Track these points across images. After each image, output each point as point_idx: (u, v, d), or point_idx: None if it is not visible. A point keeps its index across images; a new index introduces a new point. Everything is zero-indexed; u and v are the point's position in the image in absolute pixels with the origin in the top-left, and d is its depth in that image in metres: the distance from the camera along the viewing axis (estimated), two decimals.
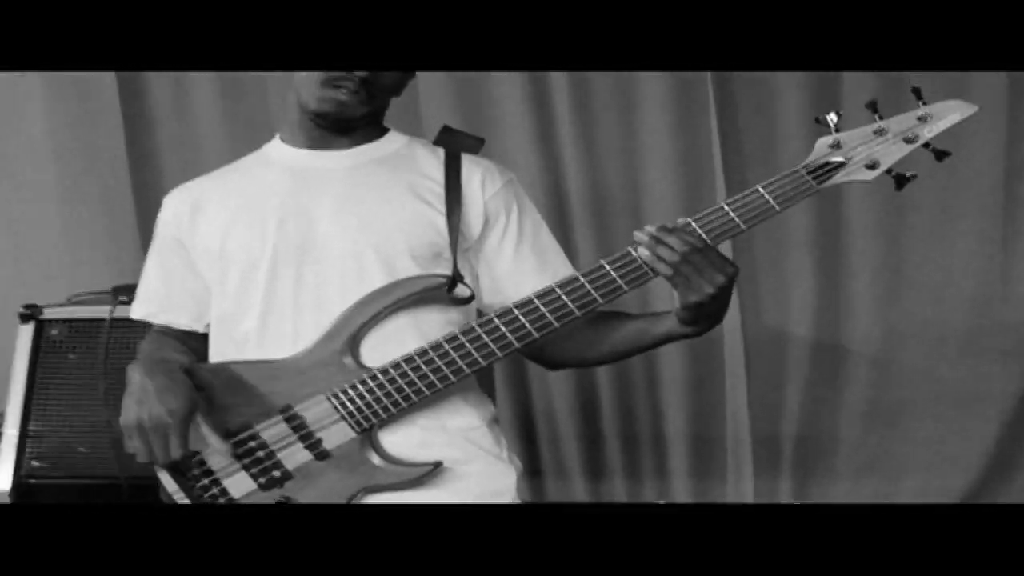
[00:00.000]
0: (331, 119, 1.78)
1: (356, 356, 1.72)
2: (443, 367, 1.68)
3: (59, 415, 2.64)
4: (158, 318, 1.90)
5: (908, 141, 1.60)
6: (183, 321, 1.89)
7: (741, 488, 3.41)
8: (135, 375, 1.72)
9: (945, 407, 3.35)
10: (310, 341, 1.73)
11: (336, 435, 1.71)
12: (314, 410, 1.71)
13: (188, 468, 1.74)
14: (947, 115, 1.59)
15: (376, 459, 1.72)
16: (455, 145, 1.86)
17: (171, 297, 1.89)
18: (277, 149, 1.87)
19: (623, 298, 1.67)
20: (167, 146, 3.50)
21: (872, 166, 1.60)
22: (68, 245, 3.42)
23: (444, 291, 1.75)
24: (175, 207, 1.88)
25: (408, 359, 1.69)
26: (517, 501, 1.81)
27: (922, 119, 1.60)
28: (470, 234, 1.80)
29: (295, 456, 1.72)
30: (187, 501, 1.76)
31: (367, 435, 1.71)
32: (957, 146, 1.62)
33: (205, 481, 1.75)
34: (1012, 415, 3.33)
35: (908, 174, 1.61)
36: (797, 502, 3.15)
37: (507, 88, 3.30)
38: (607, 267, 1.63)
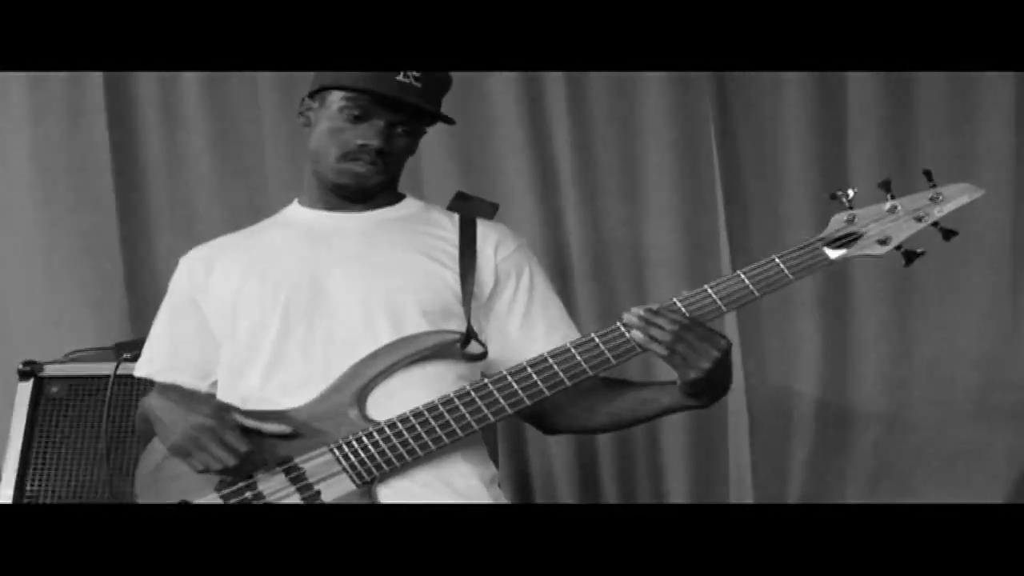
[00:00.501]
0: (351, 190, 1.84)
1: (362, 409, 1.73)
2: (452, 422, 1.71)
3: (57, 473, 2.57)
4: (163, 376, 1.91)
5: (918, 219, 1.67)
6: (187, 380, 1.89)
7: None
8: (152, 402, 1.79)
9: (954, 469, 3.27)
10: (316, 393, 1.74)
11: (335, 488, 1.70)
12: (315, 461, 1.72)
13: (257, 465, 1.73)
14: (956, 197, 1.67)
15: None
16: (470, 210, 1.92)
17: (177, 356, 1.90)
18: (295, 211, 1.94)
19: None
20: (156, 197, 3.40)
21: (884, 241, 1.68)
22: (51, 297, 3.29)
23: (455, 347, 1.77)
24: (190, 266, 1.92)
25: (417, 413, 1.70)
26: None
27: (933, 200, 1.67)
28: (481, 294, 1.83)
29: None
30: None
31: (367, 489, 1.71)
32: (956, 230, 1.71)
33: None
34: (1021, 475, 3.25)
35: (917, 251, 1.68)
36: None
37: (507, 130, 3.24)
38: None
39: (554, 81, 3.19)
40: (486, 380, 1.70)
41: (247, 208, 3.27)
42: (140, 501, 1.84)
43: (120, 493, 2.46)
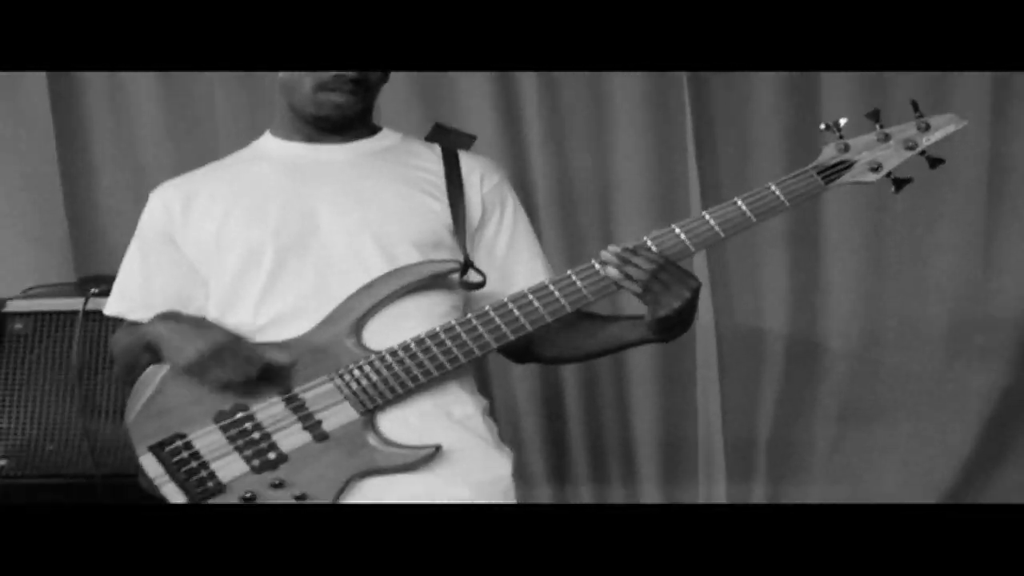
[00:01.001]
0: (331, 121, 1.85)
1: (360, 339, 1.77)
2: (454, 348, 1.74)
3: (25, 411, 2.63)
4: (135, 314, 1.91)
5: (908, 148, 1.75)
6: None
7: (713, 492, 3.43)
8: (158, 327, 1.79)
9: (924, 406, 3.38)
10: (311, 325, 1.77)
11: (337, 416, 1.75)
12: (316, 391, 1.75)
13: (277, 376, 1.76)
14: (943, 126, 1.75)
15: (376, 442, 1.75)
16: (450, 142, 1.96)
17: (151, 294, 1.90)
18: (271, 143, 1.93)
19: None
20: (99, 132, 3.42)
21: (875, 169, 1.75)
22: None
23: (449, 278, 1.83)
24: (164, 202, 1.91)
25: (419, 340, 1.74)
26: (513, 488, 1.86)
27: (920, 129, 1.75)
28: (470, 224, 1.89)
29: (291, 438, 1.75)
30: (171, 485, 1.78)
31: (370, 417, 1.76)
32: (940, 146, 1.79)
33: (193, 464, 1.77)
34: (992, 413, 3.37)
35: (906, 177, 1.76)
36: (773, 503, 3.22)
37: (472, 83, 3.33)
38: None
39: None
40: (487, 307, 1.76)
41: (191, 140, 3.35)
42: (134, 438, 1.84)
43: (93, 431, 2.57)
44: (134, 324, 1.91)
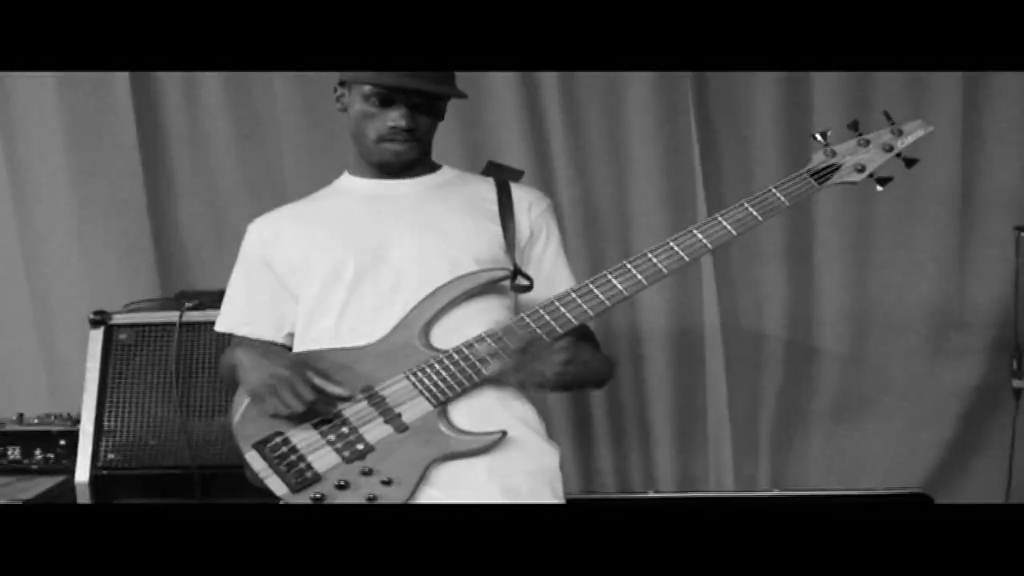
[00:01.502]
0: (393, 166, 2.04)
1: (428, 340, 1.93)
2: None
3: (130, 412, 2.80)
4: (241, 330, 2.10)
5: (886, 150, 1.95)
6: (264, 332, 2.09)
7: (722, 478, 3.58)
8: (238, 355, 1.97)
9: (906, 401, 3.51)
10: (385, 331, 1.94)
11: (414, 410, 1.91)
12: (393, 388, 1.92)
13: (325, 411, 1.91)
14: (914, 131, 1.96)
15: (449, 431, 1.90)
16: (502, 175, 2.14)
17: (254, 312, 2.09)
18: (348, 181, 2.12)
19: None
20: (179, 165, 3.59)
21: (860, 170, 1.94)
22: (84, 254, 3.53)
23: (502, 284, 1.99)
24: (260, 232, 2.10)
25: (480, 339, 1.91)
26: (560, 479, 2.01)
27: (894, 134, 1.95)
28: (520, 243, 2.06)
29: (376, 430, 1.91)
30: (274, 478, 1.92)
31: (443, 409, 1.92)
32: (915, 149, 1.96)
33: (292, 457, 1.91)
34: (967, 408, 3.49)
35: (887, 176, 1.96)
36: (776, 492, 3.24)
37: (502, 101, 3.46)
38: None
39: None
40: (538, 307, 1.91)
41: (263, 176, 3.52)
42: (238, 437, 1.98)
43: (189, 428, 2.75)
44: (241, 340, 2.09)
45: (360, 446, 1.91)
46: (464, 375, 1.91)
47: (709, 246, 1.91)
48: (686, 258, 1.91)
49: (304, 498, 1.92)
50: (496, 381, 1.94)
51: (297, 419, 1.91)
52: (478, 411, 1.94)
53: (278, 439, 1.93)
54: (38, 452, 3.02)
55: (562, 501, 2.02)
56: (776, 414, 3.60)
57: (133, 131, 3.50)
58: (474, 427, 1.93)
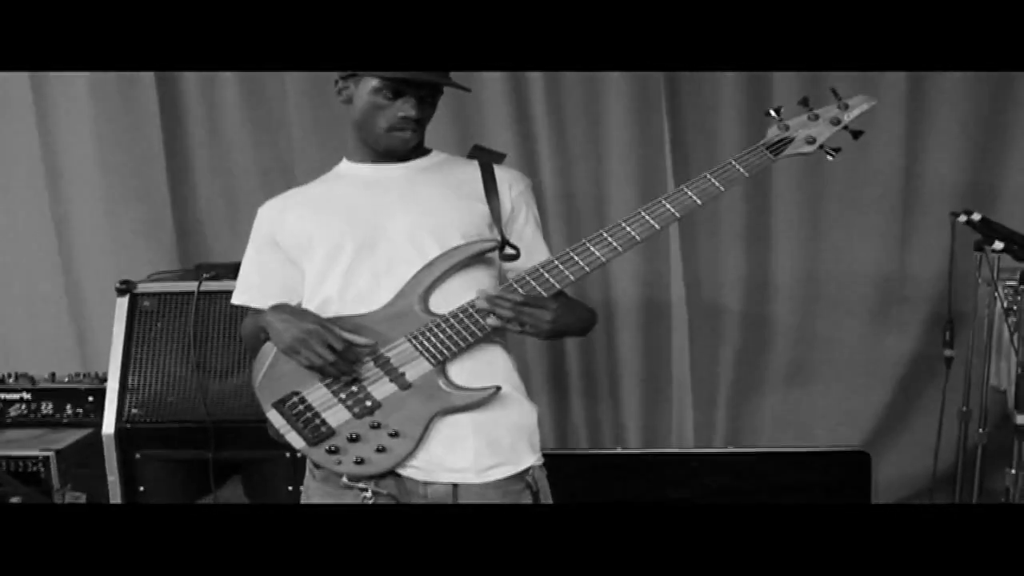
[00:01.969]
0: (399, 153, 2.13)
1: (427, 307, 2.02)
2: None
3: (152, 371, 2.93)
4: (255, 303, 2.18)
5: (834, 123, 2.00)
6: (277, 303, 2.14)
7: (683, 435, 3.76)
8: (267, 318, 2.05)
9: (850, 368, 3.68)
10: (386, 299, 2.03)
11: (416, 369, 2.00)
12: (397, 350, 2.01)
13: (357, 358, 1.99)
14: (860, 105, 2.01)
15: (448, 387, 1.99)
16: (486, 157, 2.21)
17: (266, 286, 2.17)
18: (347, 167, 2.20)
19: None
20: (197, 141, 3.76)
21: (811, 142, 2.00)
22: (112, 230, 3.73)
23: (491, 255, 2.08)
24: (268, 214, 2.19)
25: (472, 304, 2.00)
26: (537, 435, 2.10)
27: (841, 108, 2.00)
28: (503, 218, 2.15)
29: (382, 388, 2.01)
30: (293, 434, 2.03)
31: (441, 367, 2.01)
32: (863, 143, 2.03)
33: (308, 415, 2.02)
34: (904, 375, 3.67)
35: (836, 147, 2.03)
36: (731, 448, 3.31)
37: (491, 94, 3.57)
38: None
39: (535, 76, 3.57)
40: (524, 274, 1.97)
41: (273, 162, 3.69)
42: (260, 397, 2.07)
43: (205, 387, 2.89)
44: (256, 311, 2.16)
45: (369, 403, 2.01)
46: (461, 336, 1.99)
47: (677, 214, 1.95)
48: (656, 226, 1.95)
49: (320, 451, 2.03)
50: (483, 346, 2.03)
51: (321, 376, 2.01)
52: (468, 372, 2.04)
53: (295, 398, 2.03)
54: (69, 407, 3.23)
55: (539, 454, 2.11)
56: (733, 377, 3.77)
57: (157, 123, 3.68)
58: (469, 383, 2.03)
